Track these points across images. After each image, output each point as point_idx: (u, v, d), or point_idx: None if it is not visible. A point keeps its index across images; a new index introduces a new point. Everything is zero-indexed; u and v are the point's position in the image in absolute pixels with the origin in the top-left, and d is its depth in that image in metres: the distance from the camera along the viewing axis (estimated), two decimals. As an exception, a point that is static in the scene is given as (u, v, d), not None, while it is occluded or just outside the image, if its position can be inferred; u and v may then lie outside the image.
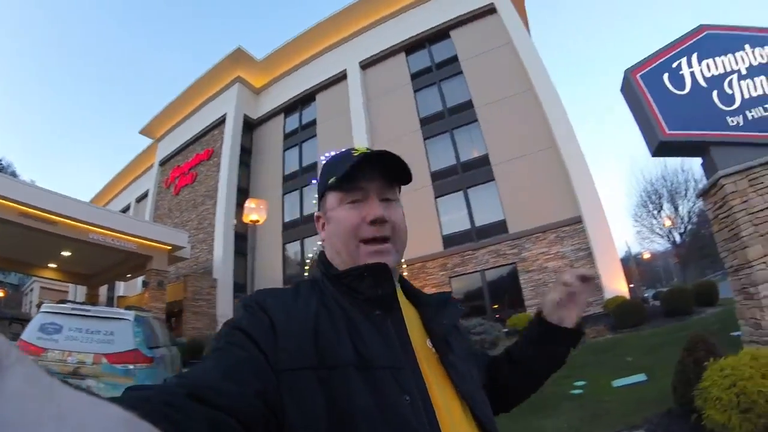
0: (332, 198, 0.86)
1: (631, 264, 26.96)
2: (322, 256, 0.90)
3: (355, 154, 0.85)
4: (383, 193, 0.86)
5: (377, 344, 0.71)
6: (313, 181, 12.38)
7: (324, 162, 0.93)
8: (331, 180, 0.83)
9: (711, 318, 9.52)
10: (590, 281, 1.01)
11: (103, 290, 25.57)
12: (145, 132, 30.09)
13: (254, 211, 9.55)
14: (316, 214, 0.93)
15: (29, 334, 5.48)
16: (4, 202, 12.68)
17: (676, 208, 21.96)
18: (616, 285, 12.80)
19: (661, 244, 26.31)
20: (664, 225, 22.33)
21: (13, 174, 51.57)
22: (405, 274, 16.27)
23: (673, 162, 20.91)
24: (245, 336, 0.66)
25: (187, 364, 12.54)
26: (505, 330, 12.34)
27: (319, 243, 0.95)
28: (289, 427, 0.61)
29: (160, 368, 6.12)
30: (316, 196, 0.95)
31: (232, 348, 0.65)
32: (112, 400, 0.42)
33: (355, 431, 0.61)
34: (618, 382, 5.94)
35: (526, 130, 15.82)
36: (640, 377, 5.93)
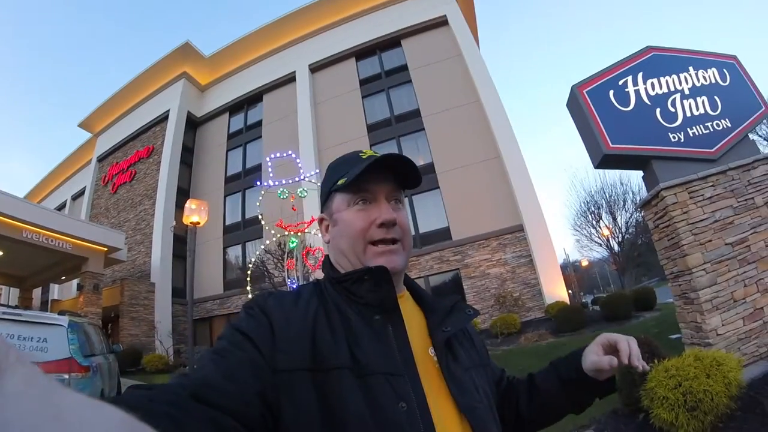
0: (339, 200, 0.85)
1: (569, 271, 27.92)
2: (326, 259, 0.90)
3: (364, 156, 0.85)
4: (391, 196, 0.85)
5: (375, 349, 0.71)
6: (258, 183, 11.94)
7: (330, 164, 0.92)
8: (342, 180, 0.82)
9: (650, 322, 9.91)
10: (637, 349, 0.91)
11: (37, 293, 23.98)
12: (84, 125, 28.43)
13: (195, 213, 9.15)
14: (319, 216, 0.92)
15: None
16: None
17: (614, 219, 23.02)
18: (557, 290, 13.24)
19: (599, 253, 27.45)
20: (602, 234, 23.33)
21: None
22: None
23: (612, 175, 22.00)
24: (244, 337, 0.67)
25: (124, 372, 11.90)
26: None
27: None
28: (284, 426, 0.62)
29: (96, 378, 5.70)
30: (320, 197, 0.94)
31: (232, 349, 0.65)
32: (114, 400, 0.42)
33: None
34: None
35: (471, 140, 16.15)
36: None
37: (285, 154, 8.90)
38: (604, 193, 23.60)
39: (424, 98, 18.07)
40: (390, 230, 0.82)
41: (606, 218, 23.70)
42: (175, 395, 0.54)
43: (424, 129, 17.53)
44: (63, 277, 19.48)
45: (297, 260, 8.21)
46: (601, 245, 24.69)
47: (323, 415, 0.63)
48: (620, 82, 5.39)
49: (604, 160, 5.18)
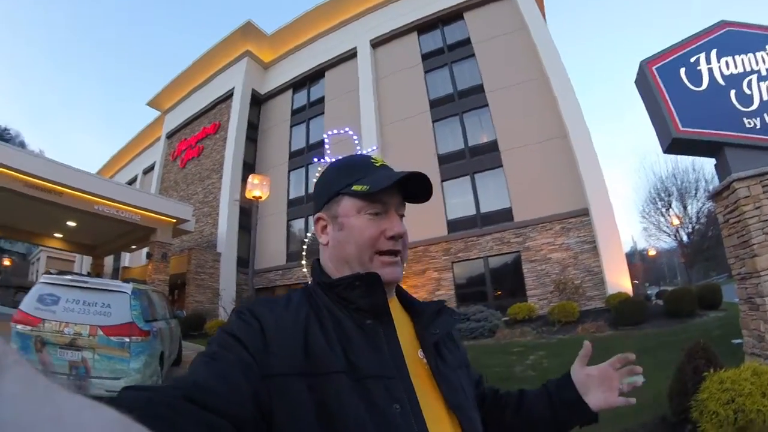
0: (349, 204, 0.84)
1: (636, 260, 26.75)
2: (316, 263, 0.89)
3: (377, 164, 0.87)
4: (399, 208, 0.87)
5: (368, 353, 0.72)
6: (319, 160, 12.10)
7: (336, 164, 0.92)
8: (362, 187, 0.82)
9: (713, 322, 9.44)
10: (631, 363, 1.02)
11: (108, 261, 25.78)
12: (152, 104, 29.96)
13: (257, 187, 9.53)
14: (317, 214, 0.89)
15: (27, 304, 5.47)
16: (9, 172, 12.71)
17: (684, 207, 21.73)
18: (620, 280, 12.66)
19: (667, 243, 26.05)
20: (671, 223, 22.08)
21: (22, 144, 51.67)
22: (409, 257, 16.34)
23: (685, 160, 20.57)
24: (236, 341, 0.67)
25: (187, 336, 12.74)
26: (505, 318, 12.35)
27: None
28: (277, 430, 0.62)
29: (155, 341, 6.09)
30: (319, 194, 0.90)
31: (224, 352, 0.66)
32: (111, 401, 0.42)
33: None
34: None
35: (536, 118, 15.60)
36: (639, 378, 5.88)
37: (342, 131, 8.98)
38: (676, 179, 22.31)
39: (487, 73, 17.58)
40: (396, 243, 0.84)
41: (676, 206, 22.49)
42: (170, 397, 0.55)
43: (487, 105, 17.10)
44: (133, 246, 20.77)
45: None
46: (669, 235, 23.54)
47: (320, 419, 0.63)
48: (692, 59, 5.01)
49: (673, 144, 4.88)
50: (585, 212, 13.77)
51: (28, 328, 5.31)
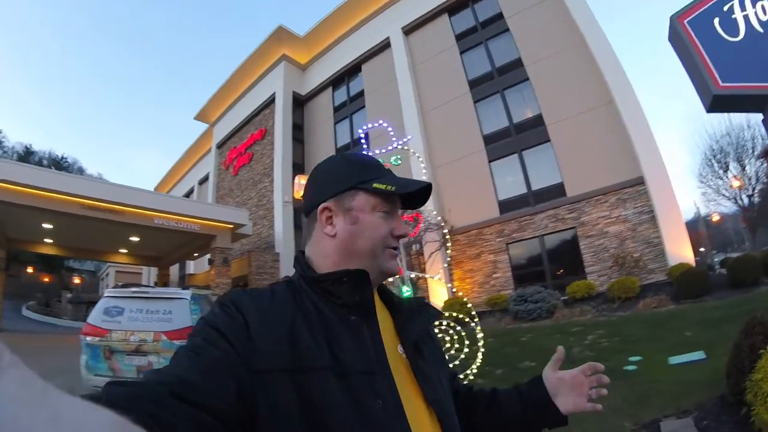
0: (364, 200, 0.86)
1: (700, 227, 25.20)
2: (299, 255, 0.89)
3: (386, 168, 0.91)
4: (398, 212, 0.92)
5: (353, 349, 0.73)
6: (372, 152, 12.27)
7: (346, 158, 0.93)
8: (389, 187, 0.84)
9: None
10: (600, 373, 1.01)
11: (174, 269, 27.34)
12: (199, 117, 31.25)
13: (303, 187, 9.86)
14: (325, 204, 0.87)
15: (95, 317, 5.99)
16: (71, 198, 13.81)
17: (743, 168, 20.18)
18: (681, 250, 12.01)
19: (727, 207, 24.31)
20: (731, 186, 20.57)
21: (80, 169, 55.08)
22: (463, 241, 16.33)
23: (739, 117, 19.02)
24: (219, 335, 0.67)
25: None
26: (564, 298, 12.15)
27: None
28: (261, 427, 0.63)
29: None
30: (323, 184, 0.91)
31: (208, 346, 0.65)
32: (93, 397, 0.47)
33: None
34: (674, 360, 5.65)
35: (580, 87, 15.01)
36: (699, 355, 5.60)
37: (376, 124, 9.05)
38: (730, 137, 20.78)
39: (524, 46, 17.05)
40: (399, 242, 0.90)
41: (734, 167, 20.97)
42: (157, 393, 0.55)
43: (528, 79, 16.62)
44: (195, 254, 21.97)
45: None
46: (729, 198, 22.02)
47: (305, 415, 0.64)
48: (725, 8, 4.55)
49: (715, 102, 4.46)
50: (640, 181, 13.15)
51: (97, 339, 5.82)
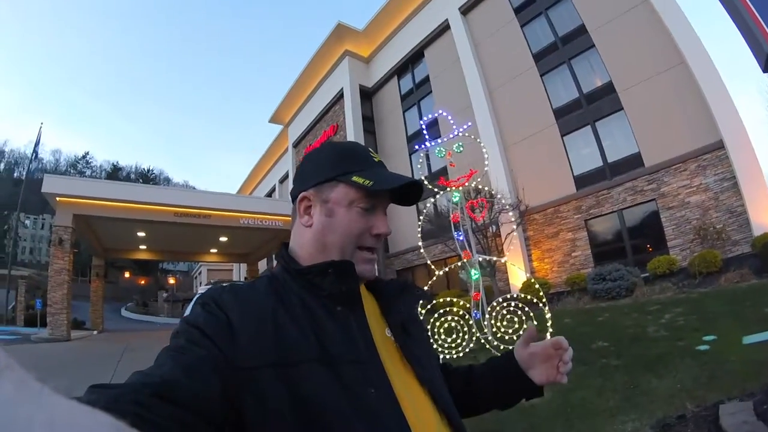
0: (343, 192, 0.84)
1: None
2: (282, 249, 0.88)
3: (376, 159, 0.89)
4: (386, 208, 0.89)
5: (340, 339, 0.72)
6: (417, 147, 11.89)
7: (334, 147, 0.91)
8: (366, 181, 0.82)
9: None
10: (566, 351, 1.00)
11: (262, 264, 29.40)
12: (274, 120, 33.04)
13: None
14: (303, 193, 0.87)
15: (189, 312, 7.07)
16: (162, 207, 15.52)
17: None
18: (766, 219, 11.01)
19: None
20: None
21: (167, 179, 59.93)
22: (540, 220, 16.07)
23: None
24: (202, 334, 0.66)
25: None
26: (645, 275, 11.74)
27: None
28: (250, 424, 0.62)
29: None
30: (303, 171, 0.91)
31: (190, 346, 0.64)
32: (79, 400, 0.47)
33: (327, 427, 0.63)
34: (749, 339, 5.31)
35: (648, 49, 14.06)
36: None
37: (436, 114, 9.18)
38: None
39: (585, 11, 16.15)
40: (378, 241, 0.86)
41: None
42: (140, 394, 0.53)
43: (594, 46, 15.79)
44: (280, 249, 23.53)
45: (462, 213, 8.67)
46: None
47: (296, 409, 0.63)
48: None
49: None
50: (720, 145, 12.19)
51: None
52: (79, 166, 51.15)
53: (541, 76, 17.56)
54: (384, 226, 0.86)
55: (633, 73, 14.51)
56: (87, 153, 53.96)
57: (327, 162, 0.87)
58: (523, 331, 1.06)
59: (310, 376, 0.66)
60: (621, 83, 14.90)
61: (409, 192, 0.90)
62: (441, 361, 1.05)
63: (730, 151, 11.94)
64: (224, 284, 0.85)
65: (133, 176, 53.65)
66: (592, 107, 15.80)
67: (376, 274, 0.90)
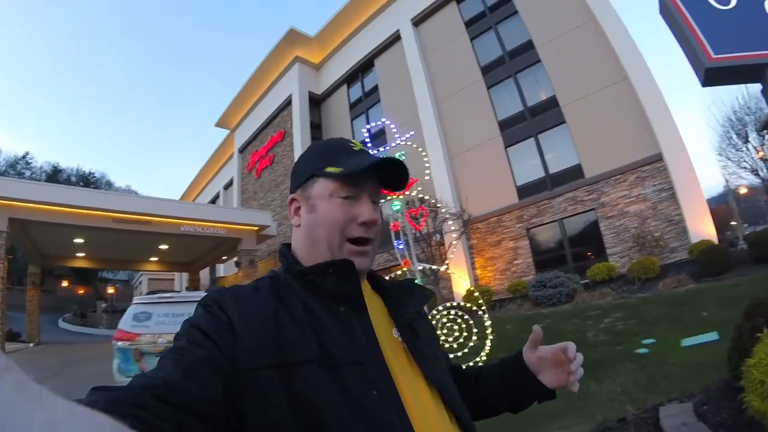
0: (322, 185, 0.82)
1: (730, 201, 24.17)
2: (284, 249, 0.87)
3: (356, 148, 0.85)
4: (374, 196, 0.85)
5: (342, 340, 0.71)
6: (376, 150, 12.02)
7: (315, 145, 0.90)
8: (335, 169, 0.80)
9: None
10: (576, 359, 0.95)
11: (204, 273, 28.18)
12: (220, 124, 32.07)
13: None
14: (291, 195, 0.88)
15: (125, 322, 6.47)
16: (101, 213, 14.48)
17: (763, 138, 19.41)
18: (702, 227, 11.67)
19: (748, 180, 23.35)
20: (759, 156, 19.75)
21: (108, 183, 57.08)
22: (482, 229, 16.24)
23: (754, 87, 18.27)
24: (203, 335, 0.66)
25: None
26: (585, 281, 11.98)
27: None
28: (251, 426, 0.61)
29: None
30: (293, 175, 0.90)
31: (192, 347, 0.64)
32: (92, 403, 0.49)
33: (325, 430, 0.62)
34: (687, 341, 5.55)
35: (592, 65, 14.64)
36: (712, 336, 5.46)
37: (379, 123, 9.04)
38: (749, 108, 20.01)
39: (534, 27, 16.72)
40: (368, 230, 0.82)
41: (753, 138, 20.21)
42: (140, 396, 0.54)
43: (540, 61, 16.31)
44: (224, 257, 22.61)
45: (403, 222, 8.57)
46: (750, 171, 21.16)
47: (295, 411, 0.62)
48: None
49: (709, 75, 4.19)
50: (658, 157, 12.78)
51: (127, 342, 6.29)
52: (18, 167, 47.67)
53: (487, 88, 17.90)
54: (369, 213, 0.81)
55: (577, 88, 15.00)
56: (27, 153, 50.40)
57: (308, 161, 0.86)
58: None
59: (310, 378, 0.65)
60: (565, 97, 15.36)
61: (394, 174, 0.85)
62: (450, 363, 1.02)
63: (669, 163, 12.47)
64: (229, 286, 0.82)
65: (74, 179, 50.58)
66: (536, 120, 16.19)
67: (368, 266, 0.85)
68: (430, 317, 6.94)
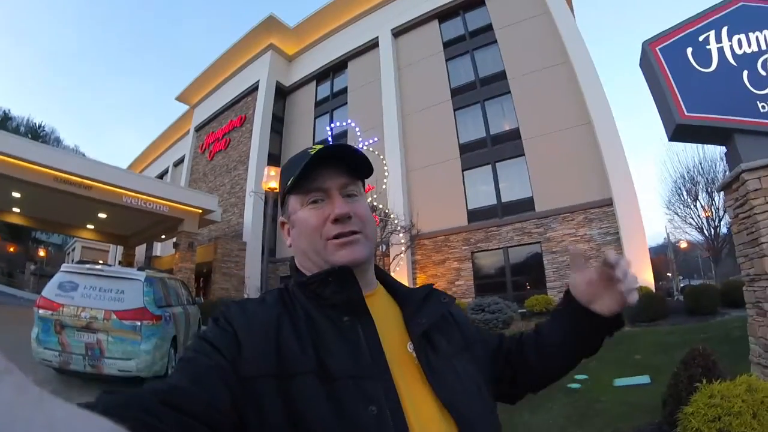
0: (293, 201, 0.83)
1: (669, 253, 25.72)
2: (293, 262, 0.88)
3: (312, 152, 0.81)
4: (346, 190, 0.82)
5: (343, 353, 0.69)
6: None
7: (283, 165, 0.92)
8: (289, 182, 0.81)
9: (735, 322, 8.73)
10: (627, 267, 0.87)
11: (141, 250, 26.78)
12: (181, 98, 30.76)
13: (273, 179, 9.65)
14: (280, 219, 0.91)
15: (49, 290, 5.93)
16: (45, 169, 13.42)
17: (712, 199, 20.81)
18: (642, 274, 12.15)
19: (692, 236, 25.01)
20: (705, 214, 21.07)
21: (57, 140, 53.77)
22: (429, 246, 16.32)
23: (713, 149, 19.62)
24: (210, 346, 0.67)
25: (205, 322, 13.18)
26: (522, 311, 12.19)
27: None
28: None
29: (168, 326, 6.49)
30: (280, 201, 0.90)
31: (200, 357, 0.65)
32: (88, 405, 0.47)
33: None
34: (620, 382, 5.67)
35: (559, 105, 15.21)
36: (644, 379, 5.66)
37: (344, 123, 8.92)
38: (702, 169, 21.41)
39: (510, 59, 17.20)
40: (346, 224, 0.79)
41: (703, 198, 21.62)
42: (147, 401, 0.54)
43: (510, 92, 16.78)
44: (163, 236, 21.61)
45: None
46: (695, 228, 22.63)
47: (289, 422, 0.62)
48: (701, 38, 4.55)
49: (678, 131, 4.45)
50: (609, 202, 13.35)
51: (49, 312, 5.75)
52: (-32, 112, 44.12)
53: (454, 110, 18.18)
54: (339, 207, 0.79)
55: (541, 124, 15.48)
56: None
57: (282, 184, 0.87)
58: None
59: (304, 390, 0.64)
60: (528, 131, 15.81)
61: (356, 160, 0.83)
62: (505, 341, 0.99)
63: (618, 208, 13.02)
64: (238, 299, 0.87)
65: (23, 129, 47.41)
66: (496, 148, 16.55)
67: (359, 255, 0.79)
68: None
